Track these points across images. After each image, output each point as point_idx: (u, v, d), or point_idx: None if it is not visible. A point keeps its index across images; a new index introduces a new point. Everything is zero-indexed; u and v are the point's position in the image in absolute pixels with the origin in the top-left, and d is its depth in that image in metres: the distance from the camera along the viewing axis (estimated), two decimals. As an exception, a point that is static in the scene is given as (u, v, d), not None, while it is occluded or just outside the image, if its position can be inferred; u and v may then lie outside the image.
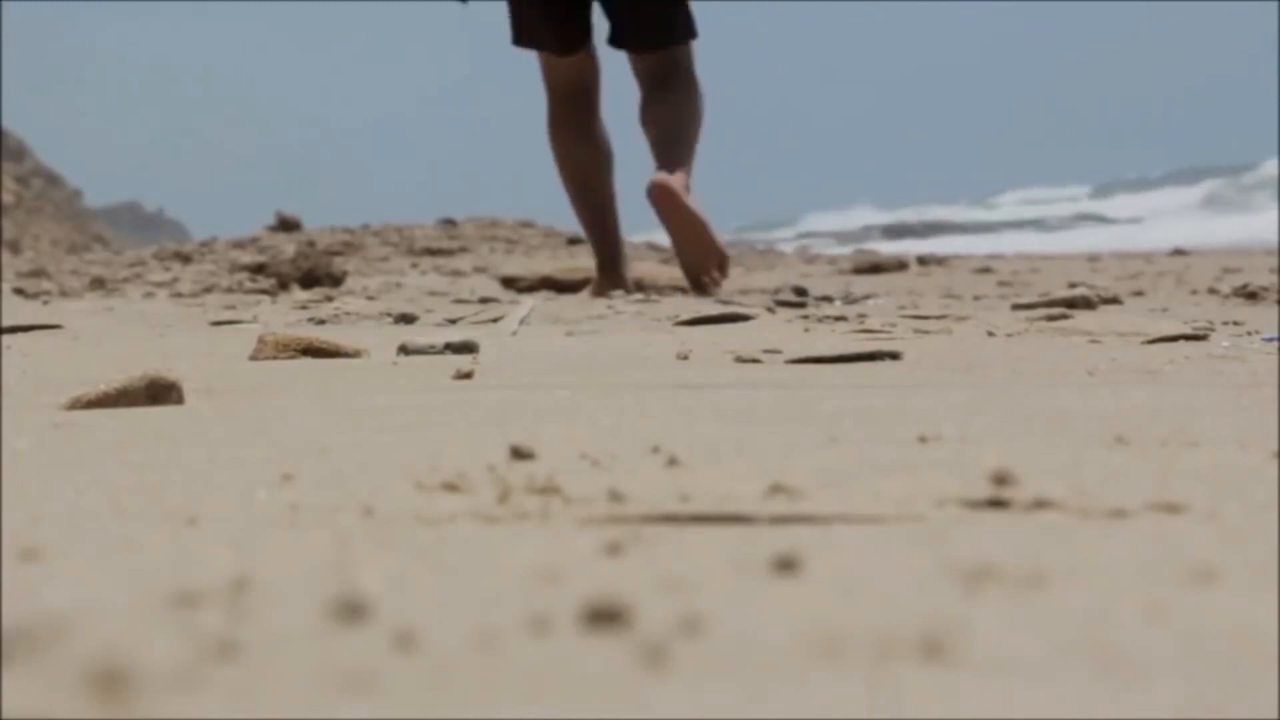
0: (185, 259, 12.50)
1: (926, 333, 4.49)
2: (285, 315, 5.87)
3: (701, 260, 6.54)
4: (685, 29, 6.79)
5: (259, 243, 13.48)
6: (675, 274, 7.60)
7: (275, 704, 0.93)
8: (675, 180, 6.17)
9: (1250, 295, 6.77)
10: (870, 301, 6.85)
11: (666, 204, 6.15)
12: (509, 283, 8.08)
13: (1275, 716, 0.91)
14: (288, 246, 11.69)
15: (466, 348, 3.73)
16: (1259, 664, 1.00)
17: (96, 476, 1.81)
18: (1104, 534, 1.43)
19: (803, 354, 3.51)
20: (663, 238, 7.90)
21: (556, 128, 7.04)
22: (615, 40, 6.96)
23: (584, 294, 7.08)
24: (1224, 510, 1.53)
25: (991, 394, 2.67)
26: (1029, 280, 9.11)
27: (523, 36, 6.95)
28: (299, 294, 7.47)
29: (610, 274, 7.11)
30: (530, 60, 7.37)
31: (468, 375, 3.11)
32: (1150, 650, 1.03)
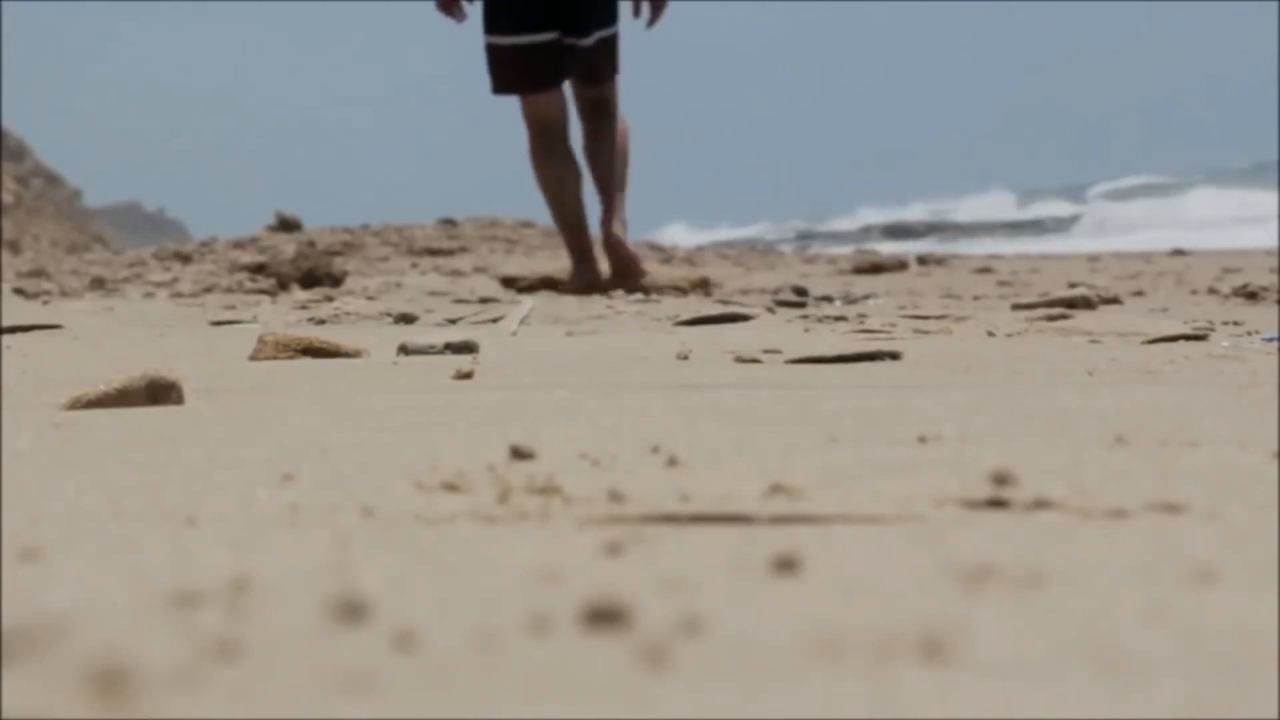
0: (185, 259, 12.51)
1: (926, 333, 4.49)
2: (285, 315, 5.87)
3: (630, 281, 7.90)
4: (614, 67, 8.17)
5: (259, 243, 13.49)
6: (675, 274, 7.80)
7: (275, 704, 0.93)
8: (618, 229, 7.99)
9: (1250, 295, 6.78)
10: (870, 301, 6.86)
11: (614, 250, 7.99)
12: (509, 283, 8.09)
13: (1275, 717, 0.91)
14: (288, 246, 11.70)
15: (466, 348, 3.73)
16: (1259, 664, 1.00)
17: (96, 476, 1.81)
18: (1104, 534, 1.43)
19: (803, 354, 3.51)
20: (662, 238, 8.93)
21: (537, 156, 8.10)
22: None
23: (564, 287, 7.93)
24: (1224, 510, 1.53)
25: (991, 394, 2.67)
26: (1029, 280, 9.11)
27: (501, 87, 8.06)
28: (299, 294, 7.47)
29: (585, 267, 7.99)
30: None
31: (468, 375, 3.11)
32: (1150, 650, 1.03)
